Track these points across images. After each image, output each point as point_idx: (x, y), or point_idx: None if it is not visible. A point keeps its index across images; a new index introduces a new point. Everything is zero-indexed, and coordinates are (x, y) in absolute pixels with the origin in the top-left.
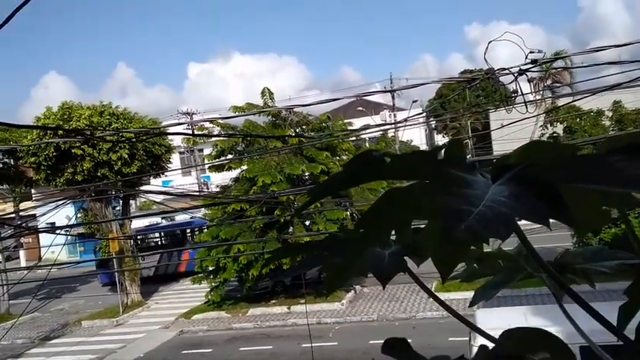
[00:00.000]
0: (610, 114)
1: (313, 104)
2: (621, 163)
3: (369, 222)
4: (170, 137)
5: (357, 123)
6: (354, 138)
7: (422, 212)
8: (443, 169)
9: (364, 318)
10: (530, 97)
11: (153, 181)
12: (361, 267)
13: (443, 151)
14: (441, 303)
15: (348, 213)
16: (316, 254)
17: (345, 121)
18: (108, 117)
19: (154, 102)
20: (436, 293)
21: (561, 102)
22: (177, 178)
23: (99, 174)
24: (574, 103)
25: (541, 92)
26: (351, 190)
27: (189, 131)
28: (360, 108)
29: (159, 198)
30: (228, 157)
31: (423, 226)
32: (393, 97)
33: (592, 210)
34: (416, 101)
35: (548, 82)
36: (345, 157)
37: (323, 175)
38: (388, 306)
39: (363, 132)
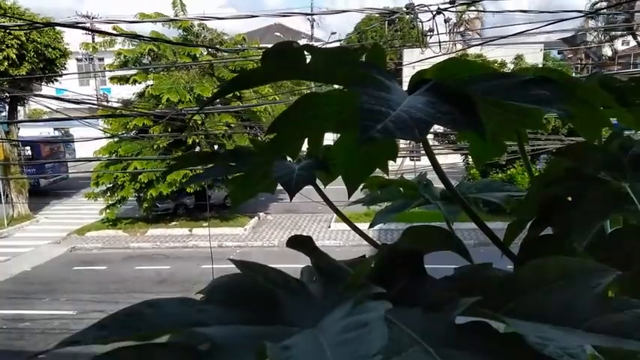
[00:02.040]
0: (512, 66)
1: (229, 18)
2: (532, 86)
3: (282, 126)
4: (66, 41)
5: None
6: None
7: (336, 121)
8: (363, 71)
9: (265, 243)
10: (446, 38)
11: (45, 88)
12: (269, 179)
13: (365, 54)
14: (344, 218)
15: (259, 139)
16: (223, 163)
17: (262, 45)
18: None
19: (48, 0)
20: (335, 224)
21: (470, 51)
22: (72, 87)
23: None
24: (481, 52)
25: (452, 35)
26: (263, 117)
27: (89, 37)
28: (278, 34)
29: (53, 105)
30: (131, 68)
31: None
32: (312, 26)
33: (498, 134)
34: (334, 33)
35: (461, 28)
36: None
37: (234, 100)
38: (290, 233)
39: None
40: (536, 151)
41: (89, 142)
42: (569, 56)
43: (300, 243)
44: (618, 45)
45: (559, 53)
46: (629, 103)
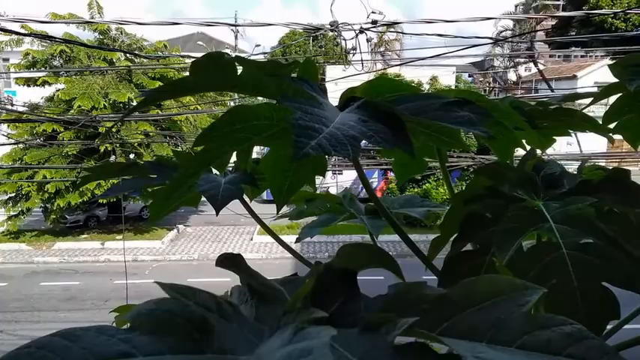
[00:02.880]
0: (427, 87)
1: (150, 24)
2: (456, 108)
3: (210, 138)
4: None
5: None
6: None
7: (266, 135)
8: (296, 86)
9: (184, 257)
10: (367, 57)
11: None
12: (192, 192)
13: (297, 69)
14: (270, 232)
15: (182, 150)
16: (143, 175)
17: (184, 53)
18: None
19: None
20: (258, 237)
21: (389, 70)
22: None
23: None
24: (399, 72)
25: (373, 54)
26: (183, 126)
27: None
28: (201, 43)
29: None
30: (40, 70)
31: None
32: (236, 37)
33: (419, 153)
34: (259, 45)
35: (382, 49)
36: None
37: (154, 108)
38: (210, 246)
39: None
40: (448, 168)
41: None
42: (480, 79)
43: (231, 262)
44: (521, 71)
45: (469, 76)
46: (536, 126)
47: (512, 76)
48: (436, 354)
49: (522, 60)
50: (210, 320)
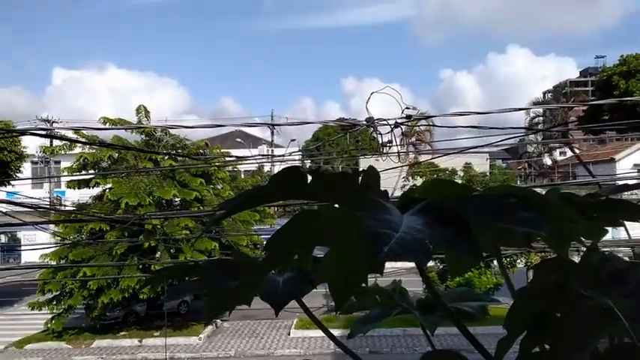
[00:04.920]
0: (462, 174)
1: (194, 127)
2: (519, 209)
3: (280, 242)
4: (23, 144)
5: (235, 155)
6: (230, 168)
7: (331, 236)
8: (363, 195)
9: (221, 354)
10: (401, 149)
11: None
12: (250, 293)
13: (361, 177)
14: (330, 336)
15: (217, 244)
16: (206, 276)
17: (223, 150)
18: None
19: (6, 103)
20: (295, 332)
21: (422, 159)
22: (24, 189)
23: None
24: (433, 160)
25: (406, 147)
26: (224, 222)
27: (47, 141)
28: (239, 140)
29: (2, 208)
30: (90, 173)
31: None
32: (272, 133)
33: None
34: (294, 140)
35: (413, 139)
36: (220, 187)
37: (196, 203)
38: (247, 342)
39: (240, 162)
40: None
41: (37, 246)
42: (518, 167)
43: None
44: (556, 155)
45: (503, 162)
46: (590, 218)
47: (547, 160)
48: None
49: (557, 145)
50: None
